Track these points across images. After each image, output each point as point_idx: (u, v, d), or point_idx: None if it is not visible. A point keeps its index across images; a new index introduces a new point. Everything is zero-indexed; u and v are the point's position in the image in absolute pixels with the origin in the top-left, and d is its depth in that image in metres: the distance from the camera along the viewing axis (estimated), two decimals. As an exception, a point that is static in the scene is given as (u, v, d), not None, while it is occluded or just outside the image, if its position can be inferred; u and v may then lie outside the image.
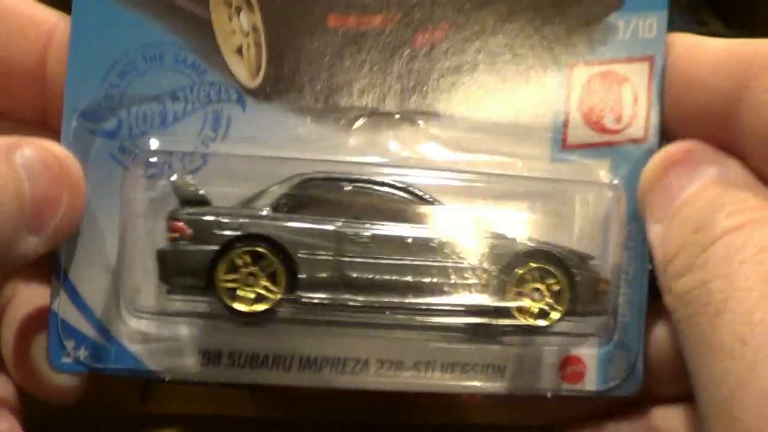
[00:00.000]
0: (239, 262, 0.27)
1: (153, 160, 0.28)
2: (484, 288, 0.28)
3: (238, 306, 0.27)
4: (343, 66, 0.29)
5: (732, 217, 0.26)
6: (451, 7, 0.29)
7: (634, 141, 0.30)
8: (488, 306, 0.28)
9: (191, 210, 0.27)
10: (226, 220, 0.27)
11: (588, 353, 0.30)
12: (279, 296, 0.27)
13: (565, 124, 0.30)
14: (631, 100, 0.30)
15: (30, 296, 0.32)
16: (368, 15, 0.29)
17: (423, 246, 0.28)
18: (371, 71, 0.29)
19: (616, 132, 0.30)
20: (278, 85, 0.29)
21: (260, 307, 0.27)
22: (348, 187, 0.28)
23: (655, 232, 0.28)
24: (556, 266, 0.29)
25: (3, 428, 0.30)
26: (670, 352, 0.30)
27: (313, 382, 0.30)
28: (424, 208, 0.28)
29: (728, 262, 0.25)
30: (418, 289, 0.28)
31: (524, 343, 0.30)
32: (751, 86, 0.27)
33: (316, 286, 0.27)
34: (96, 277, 0.29)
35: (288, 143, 0.29)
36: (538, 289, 0.29)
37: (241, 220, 0.27)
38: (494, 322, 0.29)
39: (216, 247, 0.27)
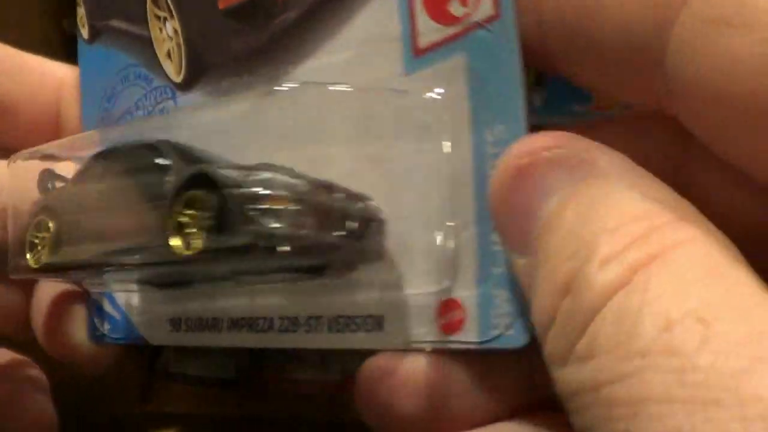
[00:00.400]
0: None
1: None
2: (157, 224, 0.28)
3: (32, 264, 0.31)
4: (230, 41, 0.32)
5: (609, 266, 0.17)
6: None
7: (486, 22, 0.24)
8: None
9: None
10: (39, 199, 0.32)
11: (465, 295, 0.24)
12: (44, 261, 0.30)
13: (413, 27, 0.25)
14: None
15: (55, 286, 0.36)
16: None
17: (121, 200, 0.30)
18: (246, 38, 0.31)
19: (464, 18, 0.24)
20: (194, 75, 0.33)
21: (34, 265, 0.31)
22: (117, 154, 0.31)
23: (520, 267, 0.21)
24: (207, 191, 0.25)
25: (38, 407, 0.36)
26: None
27: (234, 342, 0.31)
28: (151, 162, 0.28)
29: (623, 351, 0.16)
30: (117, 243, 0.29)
31: (399, 286, 0.25)
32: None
33: (70, 244, 0.30)
34: None
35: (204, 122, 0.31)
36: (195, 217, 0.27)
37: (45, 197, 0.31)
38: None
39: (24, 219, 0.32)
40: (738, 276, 0.17)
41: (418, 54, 0.26)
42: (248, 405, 0.83)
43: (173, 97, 0.34)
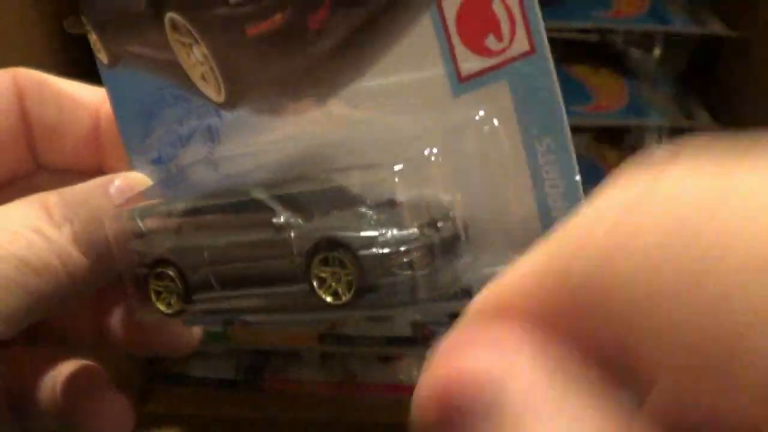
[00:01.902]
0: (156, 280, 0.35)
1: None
2: (293, 275, 0.32)
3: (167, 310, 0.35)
4: (268, 65, 0.34)
5: None
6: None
7: (523, 56, 0.29)
8: (295, 291, 0.32)
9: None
10: (148, 250, 0.35)
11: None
12: (176, 308, 0.34)
13: (453, 58, 0.30)
14: (505, 15, 0.29)
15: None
16: (270, 17, 0.33)
17: (256, 247, 0.33)
18: (284, 62, 0.33)
19: (503, 51, 0.29)
20: (236, 95, 0.35)
21: (168, 311, 0.35)
22: (220, 205, 0.34)
23: None
24: (342, 251, 0.30)
25: (115, 398, 0.37)
26: None
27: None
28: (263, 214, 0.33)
29: None
30: (258, 283, 0.33)
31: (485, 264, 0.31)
32: None
33: (200, 291, 0.34)
34: None
35: (256, 138, 0.35)
36: (335, 272, 0.31)
37: (156, 247, 0.35)
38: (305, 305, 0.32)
39: (139, 273, 0.35)
40: None
41: (462, 80, 0.30)
42: (248, 405, 0.83)
43: (218, 115, 0.36)
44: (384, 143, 0.32)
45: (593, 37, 1.11)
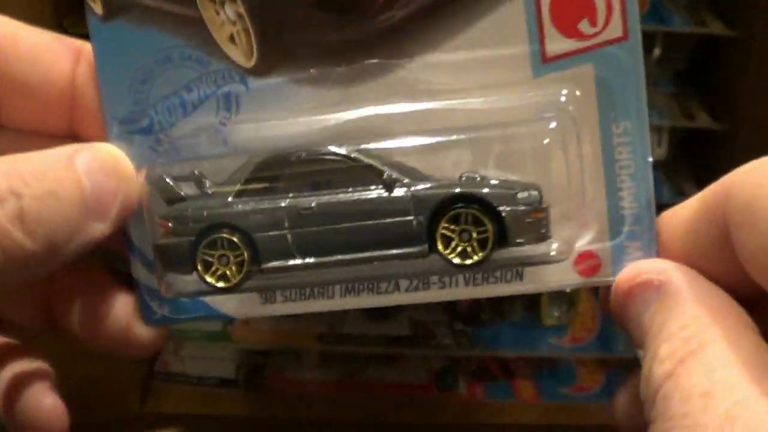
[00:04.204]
0: (210, 249, 0.32)
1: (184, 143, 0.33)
2: (413, 238, 0.31)
3: (211, 280, 0.32)
4: (321, 32, 0.31)
5: (663, 364, 0.26)
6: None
7: (615, 41, 0.30)
8: (415, 252, 0.31)
9: (171, 208, 0.33)
10: (196, 214, 0.32)
11: (599, 247, 0.32)
12: (238, 278, 0.32)
13: (541, 38, 0.31)
14: (603, 2, 0.30)
15: (85, 274, 0.36)
16: None
17: (360, 205, 0.31)
18: (343, 30, 0.31)
19: (595, 35, 0.30)
20: (271, 61, 0.32)
21: (222, 285, 0.32)
22: (297, 163, 0.32)
23: (640, 357, 0.29)
24: (479, 209, 0.30)
25: (48, 402, 0.35)
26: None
27: (354, 304, 0.33)
28: (363, 171, 0.31)
29: (667, 416, 0.25)
30: (359, 247, 0.31)
31: (533, 250, 0.32)
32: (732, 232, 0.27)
33: (275, 258, 0.31)
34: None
35: (289, 108, 0.32)
36: (466, 230, 0.31)
37: (206, 213, 0.32)
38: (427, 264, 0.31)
39: (191, 238, 0.32)
40: (748, 358, 0.25)
41: (546, 61, 0.31)
42: (248, 405, 0.82)
43: (243, 82, 0.33)
44: (454, 117, 0.31)
45: (593, 37, 1.11)
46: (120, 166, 0.32)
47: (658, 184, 1.33)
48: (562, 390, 0.83)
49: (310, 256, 0.31)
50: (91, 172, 0.30)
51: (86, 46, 0.34)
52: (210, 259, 0.31)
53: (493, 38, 0.31)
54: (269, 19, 0.32)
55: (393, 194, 0.30)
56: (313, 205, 0.31)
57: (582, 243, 0.32)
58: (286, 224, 0.31)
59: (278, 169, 0.31)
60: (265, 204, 0.32)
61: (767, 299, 0.27)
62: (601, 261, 0.32)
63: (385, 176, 0.30)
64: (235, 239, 0.31)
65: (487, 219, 0.30)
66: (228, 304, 0.33)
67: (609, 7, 0.30)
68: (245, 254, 0.31)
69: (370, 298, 0.33)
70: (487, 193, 0.30)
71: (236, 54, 0.32)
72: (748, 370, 0.25)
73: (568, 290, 0.32)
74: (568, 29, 0.30)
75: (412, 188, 0.30)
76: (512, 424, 0.81)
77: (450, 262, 0.30)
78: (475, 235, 0.30)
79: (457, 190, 0.30)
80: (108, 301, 0.35)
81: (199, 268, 0.32)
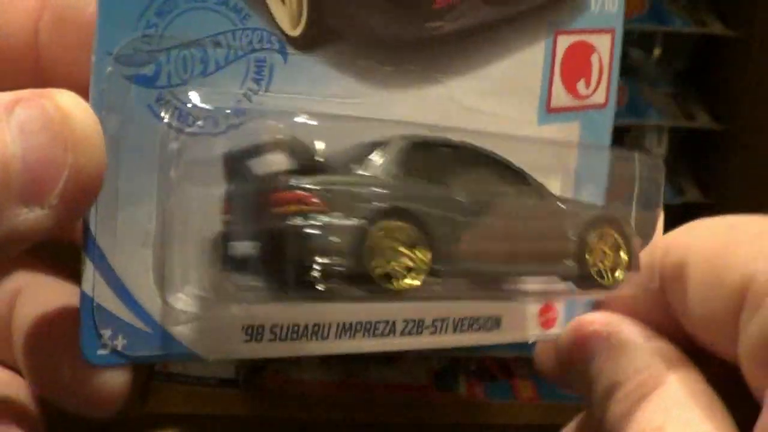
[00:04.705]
0: (382, 237, 0.24)
1: (196, 114, 0.26)
2: (566, 255, 0.29)
3: (397, 285, 0.24)
4: (374, 20, 0.28)
5: (620, 405, 0.28)
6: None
7: (598, 106, 0.33)
8: (572, 273, 0.29)
9: (312, 179, 0.24)
10: (366, 191, 0.24)
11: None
12: (424, 273, 0.25)
13: (549, 89, 0.32)
14: (597, 69, 0.33)
15: (41, 288, 0.28)
16: None
17: (523, 216, 0.28)
18: (395, 26, 0.28)
19: (586, 97, 0.33)
20: (319, 35, 0.27)
21: (413, 283, 0.25)
22: (450, 154, 0.27)
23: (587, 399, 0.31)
24: (617, 231, 0.30)
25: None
26: None
27: (351, 348, 0.29)
28: (516, 177, 0.29)
29: None
30: (520, 258, 0.28)
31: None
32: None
33: (450, 258, 0.26)
34: (132, 251, 0.26)
35: (323, 94, 0.27)
36: (604, 252, 0.30)
37: (378, 191, 0.25)
38: (577, 287, 0.30)
39: (362, 222, 0.24)
40: (701, 400, 0.27)
41: (549, 111, 0.32)
42: (248, 405, 0.82)
43: (282, 52, 0.27)
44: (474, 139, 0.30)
45: (593, 37, 1.11)
46: (75, 128, 0.23)
47: (658, 184, 1.31)
48: (562, 390, 0.83)
49: (478, 264, 0.27)
50: (29, 134, 0.22)
51: None
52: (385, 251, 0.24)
53: (516, 76, 0.32)
54: None
55: (548, 204, 0.29)
56: (483, 203, 0.27)
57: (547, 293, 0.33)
58: (460, 220, 0.26)
59: (434, 158, 0.27)
60: (439, 194, 0.26)
61: (700, 350, 0.29)
62: (557, 314, 0.34)
63: (531, 182, 0.29)
64: (417, 230, 0.25)
65: (625, 242, 0.31)
66: (202, 340, 0.27)
67: (600, 74, 0.33)
68: (427, 253, 0.25)
69: (366, 342, 0.29)
70: (622, 218, 0.30)
71: (282, 15, 0.27)
72: (701, 409, 0.27)
73: (530, 342, 0.33)
74: (570, 86, 0.33)
75: (558, 202, 0.29)
76: (512, 424, 0.81)
77: (599, 282, 0.30)
78: (622, 255, 0.30)
79: (603, 211, 0.30)
80: (48, 321, 0.27)
81: (369, 261, 0.24)
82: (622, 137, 1.29)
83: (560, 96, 0.33)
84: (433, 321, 0.31)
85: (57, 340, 0.27)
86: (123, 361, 0.26)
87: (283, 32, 0.27)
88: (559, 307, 0.34)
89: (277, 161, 0.25)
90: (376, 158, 0.25)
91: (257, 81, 0.27)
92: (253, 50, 0.27)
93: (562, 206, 0.30)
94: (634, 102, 1.12)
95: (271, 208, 0.24)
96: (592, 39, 0.33)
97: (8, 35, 0.27)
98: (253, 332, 0.28)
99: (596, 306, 0.33)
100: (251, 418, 0.81)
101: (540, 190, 0.30)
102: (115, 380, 0.27)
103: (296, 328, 0.28)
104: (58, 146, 0.22)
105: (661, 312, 0.31)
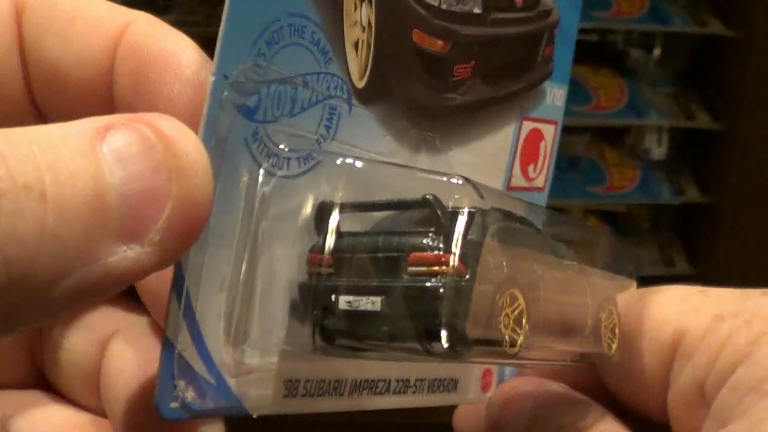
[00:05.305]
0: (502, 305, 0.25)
1: (280, 155, 0.25)
2: (587, 326, 0.30)
3: (512, 350, 0.25)
4: (410, 83, 0.29)
5: None
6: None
7: (538, 189, 0.36)
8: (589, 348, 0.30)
9: (458, 242, 0.24)
10: (493, 258, 0.24)
11: (493, 366, 0.35)
12: (522, 339, 0.25)
13: (512, 168, 0.35)
14: (543, 155, 0.36)
15: (134, 336, 0.26)
16: (434, 38, 0.30)
17: (569, 284, 0.29)
18: (430, 94, 0.30)
19: (533, 180, 0.36)
20: (375, 91, 0.28)
21: (513, 351, 0.25)
22: (517, 226, 0.27)
23: None
24: (615, 308, 0.31)
25: None
26: None
27: (359, 405, 0.30)
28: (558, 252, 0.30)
29: None
30: (565, 331, 0.29)
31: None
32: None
33: (534, 327, 0.26)
34: (211, 296, 0.25)
35: (370, 150, 0.28)
36: (605, 326, 0.31)
37: (504, 262, 0.25)
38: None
39: (492, 287, 0.24)
40: None
41: (509, 189, 0.35)
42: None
43: (349, 101, 0.27)
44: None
45: (593, 37, 1.11)
46: (179, 154, 0.20)
47: (658, 184, 1.33)
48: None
49: (542, 335, 0.26)
50: (126, 161, 0.19)
51: (137, 20, 0.25)
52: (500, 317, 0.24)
53: (495, 153, 0.34)
54: (387, 42, 0.28)
55: (577, 286, 0.29)
56: (553, 278, 0.27)
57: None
58: (541, 294, 0.27)
59: (512, 231, 0.26)
60: (528, 266, 0.27)
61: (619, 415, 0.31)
62: (492, 379, 0.35)
63: (566, 263, 0.29)
64: (523, 298, 0.25)
65: (617, 322, 0.31)
66: (250, 394, 0.26)
67: (544, 160, 0.36)
68: (524, 318, 0.25)
69: (370, 399, 0.30)
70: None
71: (353, 65, 0.27)
72: None
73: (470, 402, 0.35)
74: (524, 168, 0.35)
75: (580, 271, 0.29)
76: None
77: (606, 356, 0.30)
78: (616, 332, 0.31)
79: (610, 288, 0.31)
80: (140, 374, 0.24)
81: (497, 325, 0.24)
82: (622, 137, 1.29)
83: (517, 176, 0.35)
84: (415, 381, 0.32)
85: (147, 396, 0.24)
86: (188, 416, 0.24)
87: (351, 83, 0.27)
88: (494, 372, 0.35)
89: (418, 218, 0.25)
90: (479, 225, 0.25)
91: (327, 128, 0.27)
92: (329, 96, 0.26)
93: (585, 282, 0.30)
94: (634, 102, 1.12)
95: (411, 266, 0.24)
96: (543, 128, 0.36)
97: (89, 62, 0.25)
98: (291, 387, 0.27)
99: (519, 372, 0.35)
100: (251, 418, 0.81)
101: (572, 268, 0.30)
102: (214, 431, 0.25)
103: (322, 383, 0.28)
104: (160, 175, 0.20)
105: (581, 375, 0.33)
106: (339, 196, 0.26)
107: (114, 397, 0.25)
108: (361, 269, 0.25)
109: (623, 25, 1.09)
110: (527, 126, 0.35)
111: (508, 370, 0.36)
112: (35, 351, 0.27)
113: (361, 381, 0.29)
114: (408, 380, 0.31)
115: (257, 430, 0.85)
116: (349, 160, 0.27)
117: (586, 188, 1.13)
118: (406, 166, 0.29)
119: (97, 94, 0.25)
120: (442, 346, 0.23)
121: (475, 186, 0.25)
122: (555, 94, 0.36)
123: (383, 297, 0.24)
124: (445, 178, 0.26)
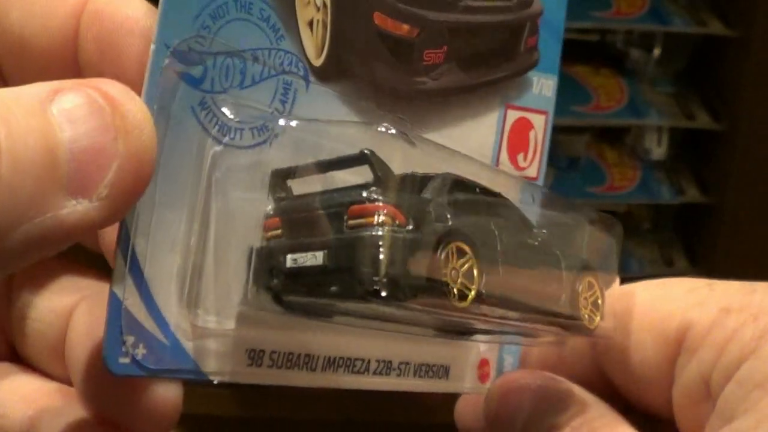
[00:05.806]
0: (451, 256, 0.25)
1: (230, 125, 0.26)
2: (563, 296, 0.30)
3: (462, 303, 0.25)
4: (376, 63, 0.29)
5: None
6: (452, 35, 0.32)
7: (531, 179, 0.36)
8: (565, 313, 0.30)
9: (393, 194, 0.25)
10: (438, 212, 0.25)
11: (490, 356, 0.35)
12: (473, 293, 0.25)
13: (497, 157, 0.35)
14: (533, 145, 0.36)
15: (96, 305, 0.27)
16: (399, 22, 0.30)
17: (534, 261, 0.29)
18: (390, 71, 0.30)
19: (523, 169, 0.36)
20: (336, 69, 0.29)
21: (463, 305, 0.25)
22: (479, 195, 0.28)
23: None
24: (596, 282, 0.31)
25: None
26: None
27: (332, 383, 0.29)
28: (525, 223, 0.30)
29: None
30: (531, 294, 0.29)
31: (460, 344, 0.34)
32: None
33: (489, 285, 0.26)
34: (162, 257, 0.25)
35: (322, 119, 0.28)
36: (586, 299, 0.31)
37: (446, 213, 0.26)
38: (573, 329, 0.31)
39: (435, 239, 0.25)
40: None
41: None
42: (248, 405, 0.83)
43: (305, 78, 0.28)
44: None
45: (593, 37, 1.11)
46: (126, 114, 0.22)
47: (658, 184, 1.33)
48: None
49: (506, 294, 0.27)
50: (75, 121, 0.21)
51: None
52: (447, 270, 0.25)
53: (474, 140, 0.34)
54: (344, 23, 0.28)
55: (548, 249, 0.30)
56: (508, 242, 0.28)
57: (483, 348, 0.35)
58: (497, 251, 0.27)
59: (469, 195, 0.27)
60: (484, 225, 0.27)
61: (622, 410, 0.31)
62: (491, 370, 0.35)
63: (535, 229, 0.30)
64: (473, 253, 0.25)
65: (600, 293, 0.31)
66: (209, 359, 0.26)
67: (535, 150, 0.36)
68: (475, 272, 0.25)
69: (345, 378, 0.30)
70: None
71: (309, 44, 0.28)
72: None
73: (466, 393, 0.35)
74: (513, 157, 0.36)
75: (554, 248, 0.30)
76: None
77: (588, 329, 0.30)
78: (599, 304, 0.31)
79: (587, 261, 0.31)
80: (83, 323, 0.26)
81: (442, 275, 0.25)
82: (622, 137, 1.29)
83: (505, 164, 0.35)
84: (399, 364, 0.31)
85: (100, 355, 0.25)
86: (141, 373, 0.25)
87: (308, 60, 0.28)
88: (492, 363, 0.35)
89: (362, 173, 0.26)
90: (430, 187, 0.26)
91: (282, 102, 0.28)
92: (283, 72, 0.27)
93: (558, 252, 0.31)
94: (634, 102, 1.12)
95: (350, 219, 0.25)
96: (532, 117, 0.36)
97: (52, 33, 0.26)
98: (255, 356, 0.27)
99: (521, 364, 0.35)
100: (251, 418, 0.81)
101: (543, 237, 0.30)
102: (170, 393, 0.26)
103: (290, 356, 0.28)
104: (107, 134, 0.21)
105: (584, 369, 0.33)
106: (288, 161, 0.27)
107: (73, 360, 0.26)
108: (306, 228, 0.26)
109: (623, 25, 1.09)
110: (513, 114, 0.35)
111: (508, 361, 0.35)
112: (3, 324, 0.28)
113: (335, 358, 0.29)
114: (390, 362, 0.31)
115: (255, 429, 0.85)
116: (293, 123, 0.27)
117: (586, 188, 1.13)
118: (346, 122, 0.29)
119: (62, 61, 0.26)
120: (380, 293, 0.23)
121: (407, 135, 0.26)
122: (543, 84, 0.36)
123: (325, 251, 0.25)
124: (383, 129, 0.26)
